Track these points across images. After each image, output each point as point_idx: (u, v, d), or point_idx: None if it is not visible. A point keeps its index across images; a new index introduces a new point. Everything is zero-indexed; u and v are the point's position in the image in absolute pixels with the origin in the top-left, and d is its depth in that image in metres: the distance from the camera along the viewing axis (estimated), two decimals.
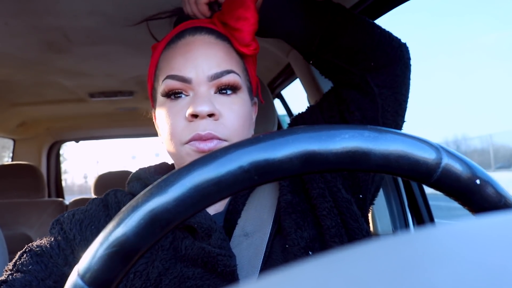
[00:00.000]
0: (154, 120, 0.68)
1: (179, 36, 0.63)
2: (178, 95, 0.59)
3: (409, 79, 0.66)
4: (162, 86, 0.60)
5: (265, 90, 1.04)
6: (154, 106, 0.66)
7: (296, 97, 2.22)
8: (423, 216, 1.22)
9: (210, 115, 0.57)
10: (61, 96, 1.90)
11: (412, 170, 0.29)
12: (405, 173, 0.30)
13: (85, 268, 0.28)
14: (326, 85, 1.24)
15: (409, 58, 0.66)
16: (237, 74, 0.60)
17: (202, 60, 0.59)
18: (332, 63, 0.66)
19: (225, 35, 0.63)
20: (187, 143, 0.57)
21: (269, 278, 0.16)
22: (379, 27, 0.66)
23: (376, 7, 0.99)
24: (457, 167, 0.30)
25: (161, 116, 0.61)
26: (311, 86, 1.30)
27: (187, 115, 0.57)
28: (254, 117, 0.68)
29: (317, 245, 0.57)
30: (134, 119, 2.52)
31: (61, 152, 3.24)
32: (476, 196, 0.30)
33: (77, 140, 3.13)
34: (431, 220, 1.23)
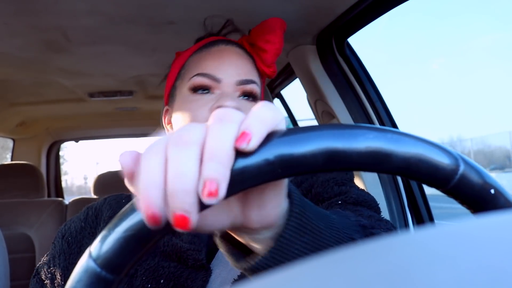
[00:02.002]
0: (163, 117, 0.73)
1: (213, 43, 0.70)
2: (205, 91, 0.65)
3: None
4: (190, 81, 0.65)
5: (264, 89, 1.04)
6: (168, 103, 0.72)
7: (296, 97, 2.22)
8: (423, 216, 1.22)
9: None
10: (61, 95, 1.90)
11: (431, 175, 0.30)
12: (423, 177, 0.30)
13: (98, 251, 0.28)
14: (326, 85, 1.24)
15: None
16: (258, 86, 0.67)
17: (233, 67, 0.65)
18: None
19: (250, 54, 0.71)
20: None
21: (269, 278, 0.16)
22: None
23: (376, 7, 0.99)
24: (473, 175, 0.30)
25: (183, 108, 0.66)
26: (311, 86, 1.30)
27: (213, 106, 0.61)
28: None
29: None
30: (133, 119, 2.52)
31: (61, 153, 3.25)
32: (489, 206, 0.31)
33: (76, 140, 3.13)
34: (431, 220, 1.23)
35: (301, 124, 1.95)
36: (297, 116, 1.87)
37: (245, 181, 0.27)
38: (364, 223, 0.48)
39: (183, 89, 0.67)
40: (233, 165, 0.27)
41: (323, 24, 1.12)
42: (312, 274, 0.15)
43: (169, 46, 1.27)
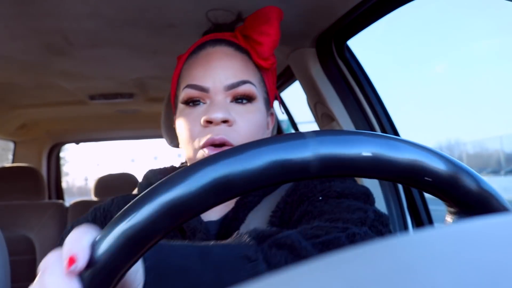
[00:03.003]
0: (174, 126, 0.72)
1: (201, 47, 0.67)
2: (197, 102, 0.63)
3: None
4: (182, 94, 0.64)
5: None
6: (175, 113, 0.70)
7: (295, 99, 2.22)
8: (422, 219, 1.22)
9: (224, 122, 0.60)
10: (61, 98, 1.90)
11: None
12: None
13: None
14: (325, 88, 1.24)
15: None
16: (253, 85, 0.63)
17: (220, 71, 0.62)
18: None
19: (245, 48, 0.67)
20: (201, 148, 0.60)
21: (269, 279, 0.16)
22: None
23: (376, 10, 0.99)
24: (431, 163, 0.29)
25: (180, 122, 0.66)
26: (310, 89, 1.30)
27: (202, 121, 0.60)
28: (270, 127, 0.72)
29: None
30: (134, 121, 2.51)
31: (62, 155, 3.24)
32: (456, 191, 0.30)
33: (77, 142, 3.13)
34: (430, 223, 1.22)
35: (301, 127, 1.95)
36: (297, 119, 1.87)
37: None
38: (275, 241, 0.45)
39: (179, 101, 0.66)
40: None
41: (322, 26, 1.12)
42: (312, 276, 0.15)
43: (169, 49, 1.27)
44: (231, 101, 0.63)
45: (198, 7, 0.99)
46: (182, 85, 0.65)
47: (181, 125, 0.65)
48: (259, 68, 0.67)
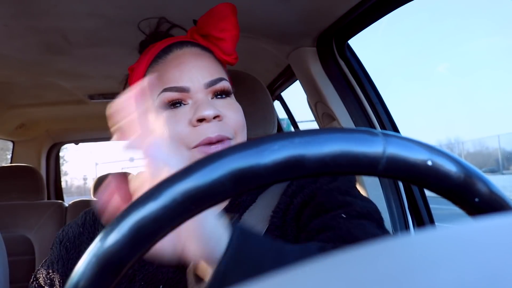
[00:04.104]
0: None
1: (166, 51, 0.67)
2: (177, 104, 0.62)
3: None
4: (157, 100, 0.63)
5: (264, 92, 1.04)
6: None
7: (296, 99, 2.22)
8: (423, 218, 1.22)
9: (215, 117, 0.60)
10: (60, 98, 1.90)
11: (355, 166, 0.28)
12: (348, 170, 0.29)
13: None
14: (326, 87, 1.24)
15: None
16: (227, 81, 0.65)
17: (196, 70, 0.63)
18: None
19: (207, 47, 0.68)
20: (194, 147, 0.60)
21: (268, 279, 0.16)
22: None
23: (377, 9, 0.99)
24: (402, 151, 0.28)
25: (161, 125, 0.62)
26: (311, 88, 1.30)
27: (193, 120, 0.60)
28: None
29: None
30: None
31: (61, 154, 3.24)
32: (430, 177, 0.29)
33: (76, 142, 3.13)
34: (432, 222, 1.22)
35: (301, 126, 1.95)
36: (297, 118, 1.87)
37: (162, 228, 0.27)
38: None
39: (155, 107, 0.63)
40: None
41: (323, 26, 1.12)
42: (313, 276, 0.15)
43: None
44: (212, 98, 0.63)
45: (196, 6, 0.98)
46: (156, 90, 0.64)
47: (163, 129, 0.64)
48: (222, 64, 0.69)
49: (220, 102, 0.63)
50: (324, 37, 1.17)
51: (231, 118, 0.62)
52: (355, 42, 1.21)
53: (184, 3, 0.98)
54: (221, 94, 0.64)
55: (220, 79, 0.64)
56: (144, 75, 0.67)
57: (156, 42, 0.71)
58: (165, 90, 0.62)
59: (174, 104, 0.62)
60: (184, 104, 0.62)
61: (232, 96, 0.66)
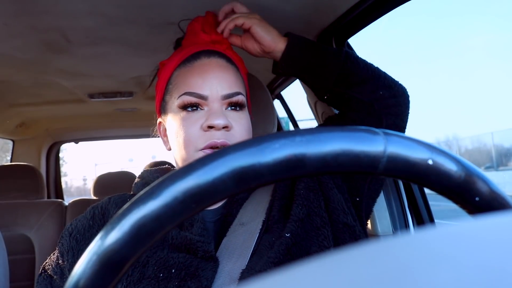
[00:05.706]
0: (157, 127, 0.79)
1: (195, 57, 0.73)
2: (194, 108, 0.69)
3: (408, 111, 0.78)
4: (179, 100, 0.70)
5: (264, 91, 1.04)
6: (160, 116, 0.77)
7: (296, 98, 2.22)
8: (423, 216, 1.22)
9: (224, 127, 0.67)
10: (60, 96, 1.89)
11: (355, 165, 0.28)
12: (348, 169, 0.28)
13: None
14: None
15: (408, 96, 0.78)
16: (243, 95, 0.72)
17: (216, 81, 0.69)
18: (345, 94, 0.78)
19: (233, 61, 0.75)
20: (201, 149, 0.67)
21: (268, 279, 0.16)
22: (379, 69, 0.80)
23: (377, 8, 0.99)
24: (402, 151, 0.28)
25: (175, 125, 0.71)
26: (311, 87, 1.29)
27: (204, 125, 0.67)
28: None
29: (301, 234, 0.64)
30: (133, 120, 2.51)
31: (61, 155, 3.24)
32: (431, 177, 0.29)
33: (76, 141, 3.12)
34: (431, 221, 1.23)
35: (301, 124, 1.95)
36: (297, 117, 1.87)
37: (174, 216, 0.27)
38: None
39: (173, 106, 0.71)
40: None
41: (323, 24, 1.12)
42: (314, 275, 0.15)
43: (169, 47, 1.26)
44: (226, 108, 0.70)
45: (197, 5, 0.98)
46: (177, 91, 0.71)
47: (177, 128, 0.70)
48: (243, 79, 0.75)
49: (232, 114, 0.69)
50: (324, 36, 1.17)
51: (237, 130, 0.69)
52: (355, 42, 1.21)
53: (184, 3, 0.98)
54: (235, 106, 0.70)
55: (237, 93, 0.70)
56: (172, 74, 0.74)
57: (189, 46, 0.76)
58: (186, 93, 0.69)
59: (192, 107, 0.69)
60: (201, 109, 0.69)
61: (245, 109, 0.72)
